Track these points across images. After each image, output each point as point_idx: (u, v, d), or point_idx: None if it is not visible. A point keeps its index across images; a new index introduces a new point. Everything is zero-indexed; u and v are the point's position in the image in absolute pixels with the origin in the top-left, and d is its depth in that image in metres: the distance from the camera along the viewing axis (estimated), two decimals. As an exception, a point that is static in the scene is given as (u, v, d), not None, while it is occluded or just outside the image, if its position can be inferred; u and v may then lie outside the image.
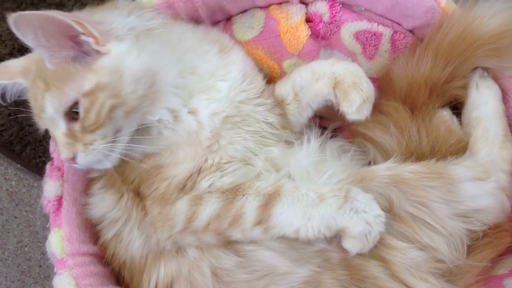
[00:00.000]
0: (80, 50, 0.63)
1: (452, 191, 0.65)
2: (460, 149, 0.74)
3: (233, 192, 0.66)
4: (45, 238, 0.78)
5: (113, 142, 0.64)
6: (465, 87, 0.77)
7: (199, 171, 0.68)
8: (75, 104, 0.62)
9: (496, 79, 0.77)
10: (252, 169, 0.72)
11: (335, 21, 0.86)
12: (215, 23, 0.90)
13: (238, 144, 0.71)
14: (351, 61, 0.83)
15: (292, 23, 0.85)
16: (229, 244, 0.66)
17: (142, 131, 0.68)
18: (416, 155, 0.73)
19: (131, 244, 0.69)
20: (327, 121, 0.86)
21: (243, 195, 0.65)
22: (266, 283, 0.64)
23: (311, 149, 0.73)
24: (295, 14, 0.85)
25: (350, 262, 0.64)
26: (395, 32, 0.85)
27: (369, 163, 0.77)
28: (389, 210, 0.65)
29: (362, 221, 0.61)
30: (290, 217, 0.62)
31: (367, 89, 0.70)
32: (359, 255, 0.64)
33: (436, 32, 0.75)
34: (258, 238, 0.65)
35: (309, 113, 0.80)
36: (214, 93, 0.71)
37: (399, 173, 0.66)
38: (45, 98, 0.63)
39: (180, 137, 0.69)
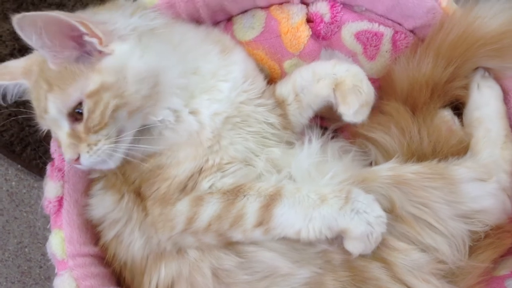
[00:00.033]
0: (83, 51, 0.63)
1: (454, 191, 0.65)
2: (462, 149, 0.74)
3: (234, 193, 0.65)
4: (45, 239, 0.77)
5: (116, 142, 0.64)
6: (466, 88, 0.77)
7: (200, 171, 0.68)
8: (79, 104, 0.62)
9: (497, 79, 0.77)
10: (253, 170, 0.71)
11: (336, 21, 0.86)
12: (216, 23, 0.90)
13: (239, 144, 0.71)
14: (352, 62, 0.83)
15: (293, 23, 0.85)
16: (229, 245, 0.66)
17: (144, 131, 0.68)
18: (417, 155, 0.72)
19: (131, 245, 0.69)
20: (328, 122, 0.86)
21: (244, 196, 0.65)
22: (267, 284, 0.64)
23: (312, 150, 0.73)
24: (296, 14, 0.85)
25: (352, 263, 0.64)
26: (396, 32, 0.85)
27: (370, 164, 0.77)
28: (391, 211, 0.65)
29: (363, 222, 0.60)
30: (291, 218, 0.62)
31: (367, 93, 0.70)
32: (361, 256, 0.63)
33: (437, 32, 0.75)
34: (259, 239, 0.65)
35: (309, 113, 0.80)
36: (216, 93, 0.71)
37: (401, 174, 0.66)
38: (48, 99, 0.63)
39: (181, 137, 0.69)
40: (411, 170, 0.67)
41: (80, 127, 0.63)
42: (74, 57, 0.63)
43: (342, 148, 0.78)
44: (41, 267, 1.19)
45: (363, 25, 0.85)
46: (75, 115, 0.63)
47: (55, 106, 0.63)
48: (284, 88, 0.79)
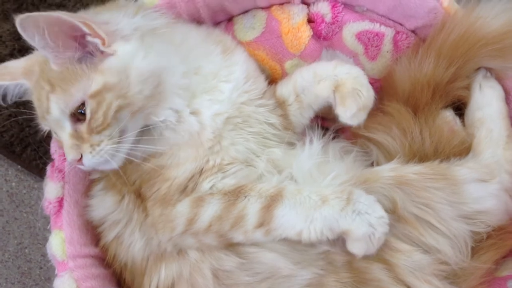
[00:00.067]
0: (85, 51, 0.63)
1: (456, 192, 0.65)
2: (464, 150, 0.74)
3: (235, 194, 0.65)
4: (45, 239, 0.77)
5: (119, 142, 0.64)
6: (468, 88, 0.77)
7: (201, 172, 0.68)
8: (81, 105, 0.62)
9: (499, 79, 0.77)
10: (254, 171, 0.71)
11: (337, 21, 0.86)
12: (216, 23, 0.89)
13: (239, 145, 0.71)
14: (354, 64, 0.83)
15: (293, 23, 0.85)
16: (230, 246, 0.66)
17: (145, 132, 0.68)
18: (419, 156, 0.72)
19: (132, 246, 0.69)
20: (329, 122, 0.86)
21: (245, 196, 0.65)
22: (268, 285, 0.64)
23: (313, 151, 0.72)
24: (297, 15, 0.85)
25: (354, 264, 0.64)
26: (397, 32, 0.85)
27: (372, 164, 0.77)
28: (393, 211, 0.65)
29: (365, 223, 0.60)
30: (292, 219, 0.62)
31: (366, 97, 0.70)
32: (363, 257, 0.63)
33: (438, 32, 0.75)
34: (260, 240, 0.64)
35: (310, 113, 0.80)
36: (217, 94, 0.71)
37: (403, 174, 0.66)
38: (50, 100, 0.63)
39: (182, 138, 0.69)
40: (413, 170, 0.67)
41: (82, 127, 0.63)
42: (76, 58, 0.62)
43: (343, 149, 0.78)
44: (41, 268, 1.18)
45: (364, 25, 0.85)
46: (78, 115, 0.63)
47: (57, 106, 0.62)
48: (285, 89, 0.79)
